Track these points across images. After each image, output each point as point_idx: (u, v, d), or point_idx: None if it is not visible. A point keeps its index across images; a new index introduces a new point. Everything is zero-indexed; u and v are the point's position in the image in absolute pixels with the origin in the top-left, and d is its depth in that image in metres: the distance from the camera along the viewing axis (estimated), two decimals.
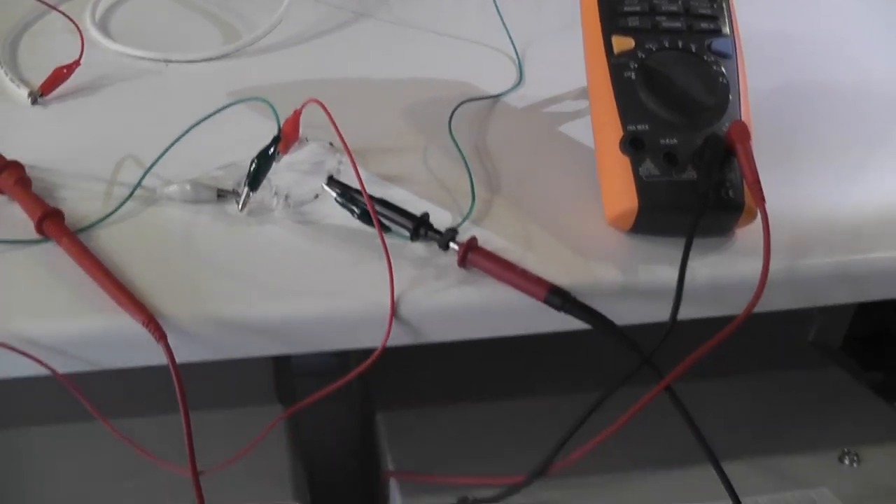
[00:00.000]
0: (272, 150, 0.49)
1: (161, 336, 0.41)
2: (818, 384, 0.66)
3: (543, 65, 0.63)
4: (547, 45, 0.66)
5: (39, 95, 0.57)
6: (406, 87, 0.60)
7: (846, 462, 0.55)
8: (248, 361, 0.46)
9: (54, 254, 0.45)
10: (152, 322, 0.41)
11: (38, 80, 0.58)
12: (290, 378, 0.65)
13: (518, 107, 0.59)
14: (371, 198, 0.46)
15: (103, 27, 0.65)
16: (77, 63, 0.58)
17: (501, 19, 0.67)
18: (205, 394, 0.49)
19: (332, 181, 0.48)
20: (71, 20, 0.64)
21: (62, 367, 0.43)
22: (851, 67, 0.66)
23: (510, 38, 0.65)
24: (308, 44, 0.65)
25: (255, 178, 0.48)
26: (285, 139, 0.49)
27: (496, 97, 0.59)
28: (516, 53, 0.64)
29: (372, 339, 0.44)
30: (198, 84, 0.60)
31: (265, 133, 0.51)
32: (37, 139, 0.54)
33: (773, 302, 0.49)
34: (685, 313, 0.45)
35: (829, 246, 0.49)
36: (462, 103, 0.57)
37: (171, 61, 0.61)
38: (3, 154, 0.49)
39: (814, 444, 0.58)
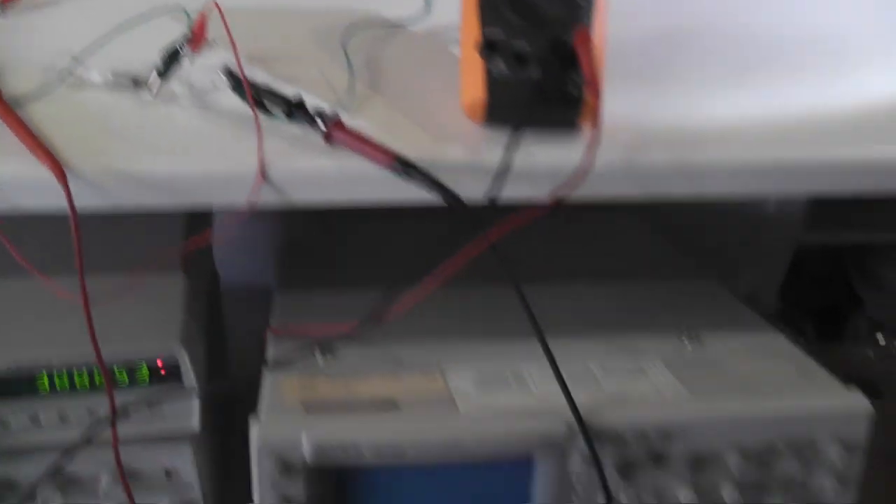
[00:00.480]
0: (181, 46, 0.58)
1: (62, 178, 0.50)
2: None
3: None
4: None
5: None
6: (316, 13, 0.69)
7: (685, 342, 0.61)
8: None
9: None
10: (57, 166, 0.51)
11: None
12: None
13: (418, 32, 0.67)
14: (252, 83, 0.55)
15: None
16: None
17: None
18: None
19: (228, 73, 0.57)
20: None
21: None
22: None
23: None
24: None
25: (167, 68, 0.57)
26: (195, 39, 0.58)
27: (400, 25, 0.68)
28: None
29: (241, 197, 0.53)
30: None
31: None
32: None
33: (612, 188, 0.56)
34: (521, 192, 0.53)
35: (670, 145, 0.56)
36: (367, 29, 0.66)
37: None
38: None
39: (660, 327, 0.65)
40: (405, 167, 0.52)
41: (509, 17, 0.57)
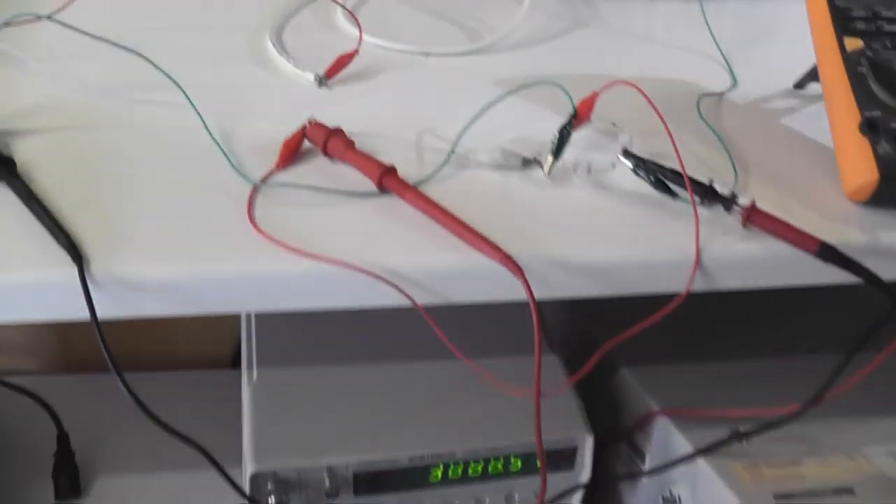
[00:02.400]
0: (570, 124, 0.57)
1: (518, 270, 0.49)
2: None
3: (751, 68, 0.72)
4: (750, 50, 0.75)
5: (325, 79, 0.65)
6: (638, 83, 0.68)
7: None
8: None
9: (394, 205, 0.53)
10: (509, 259, 0.49)
11: (312, 67, 0.66)
12: None
13: (739, 103, 0.67)
14: (654, 164, 0.55)
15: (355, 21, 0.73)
16: (356, 52, 0.66)
17: (710, 29, 0.76)
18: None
19: (627, 153, 0.56)
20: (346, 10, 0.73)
21: (420, 298, 0.50)
22: None
23: (717, 44, 0.75)
24: (541, 45, 0.73)
25: (560, 148, 0.56)
26: (580, 117, 0.57)
27: (720, 94, 0.68)
28: (724, 58, 0.73)
29: (673, 283, 0.52)
30: (458, 74, 0.68)
31: (541, 113, 0.61)
32: (329, 115, 0.61)
33: None
34: None
35: None
36: (702, 97, 0.66)
37: (430, 54, 0.70)
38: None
39: None
40: (832, 254, 0.53)
41: (884, 97, 0.58)
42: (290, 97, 0.64)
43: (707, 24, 0.77)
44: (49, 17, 0.64)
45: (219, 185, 0.54)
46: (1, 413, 0.80)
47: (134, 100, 0.62)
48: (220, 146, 0.57)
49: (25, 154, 0.56)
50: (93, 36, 0.66)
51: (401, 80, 0.67)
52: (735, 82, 0.70)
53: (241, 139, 0.59)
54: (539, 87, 0.64)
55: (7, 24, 0.62)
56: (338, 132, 0.57)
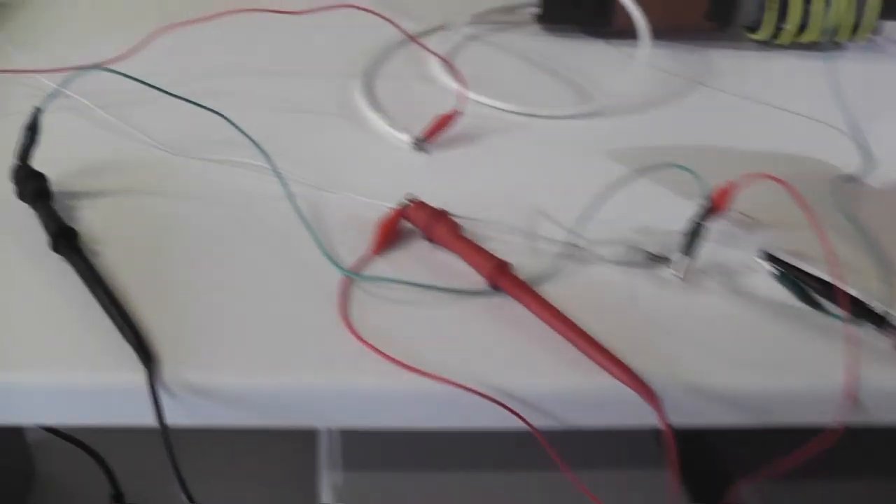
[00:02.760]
0: (704, 217, 0.50)
1: (655, 401, 0.43)
2: None
3: (889, 143, 0.64)
4: (887, 120, 0.68)
5: (423, 142, 0.59)
6: (758, 158, 0.62)
7: None
8: None
9: (507, 307, 0.47)
10: (646, 389, 0.43)
11: (407, 124, 0.60)
12: None
13: (878, 188, 0.60)
14: (815, 278, 0.48)
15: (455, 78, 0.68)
16: (457, 112, 0.60)
17: (839, 97, 0.69)
18: None
19: (768, 256, 0.50)
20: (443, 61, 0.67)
21: (537, 421, 0.44)
22: None
23: (847, 114, 0.67)
24: (657, 108, 0.66)
25: (692, 246, 0.50)
26: (715, 209, 0.51)
27: (855, 178, 0.60)
28: (856, 132, 0.65)
29: (818, 415, 0.46)
30: (569, 141, 0.62)
31: (666, 197, 0.54)
32: (428, 185, 0.56)
33: None
34: None
35: None
36: (835, 180, 0.59)
37: (536, 116, 0.63)
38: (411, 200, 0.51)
39: None
40: None
41: None
42: (385, 162, 0.58)
43: (833, 87, 0.70)
44: (114, 71, 0.59)
45: (306, 272, 0.49)
46: (54, 466, 0.76)
47: (210, 160, 0.57)
48: (307, 223, 0.51)
49: (89, 222, 0.51)
50: (164, 91, 0.58)
51: (505, 146, 0.61)
52: (870, 160, 0.62)
53: (329, 211, 0.53)
54: (664, 167, 0.58)
55: (76, 73, 0.56)
56: (442, 216, 0.51)
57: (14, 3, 0.78)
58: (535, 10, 0.75)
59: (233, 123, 0.57)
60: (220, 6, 0.71)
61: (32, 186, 0.52)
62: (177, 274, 0.48)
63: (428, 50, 0.70)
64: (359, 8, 0.71)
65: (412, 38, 0.71)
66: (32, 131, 0.54)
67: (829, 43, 0.75)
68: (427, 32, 0.74)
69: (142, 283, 0.47)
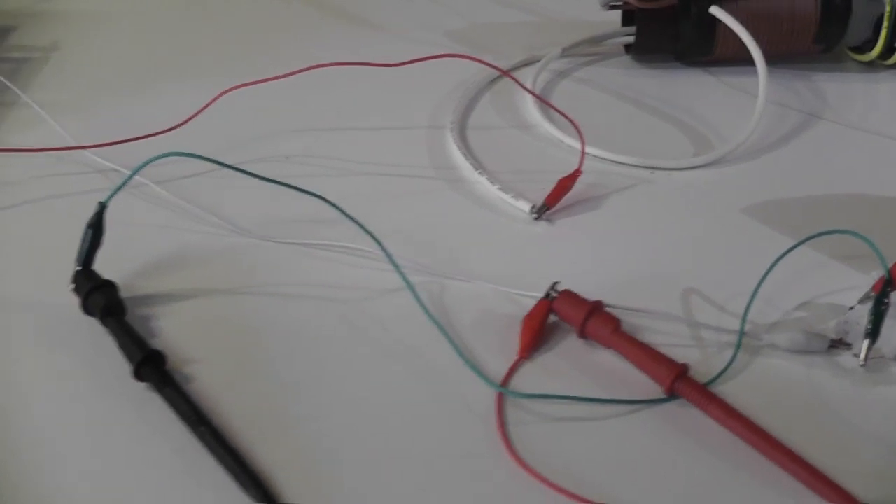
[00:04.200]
0: (886, 294, 0.45)
1: None
2: None
3: None
4: None
5: (545, 209, 0.53)
6: None
7: None
8: None
9: (685, 416, 0.42)
10: None
11: (514, 184, 0.55)
12: None
13: None
14: None
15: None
16: (578, 173, 0.54)
17: None
18: None
19: None
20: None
21: None
22: None
23: None
24: (780, 149, 0.61)
25: (876, 329, 0.44)
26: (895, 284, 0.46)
27: None
28: None
29: None
30: (698, 196, 0.56)
31: (828, 264, 0.49)
32: (557, 262, 0.51)
33: None
34: None
35: None
36: None
37: (657, 168, 0.58)
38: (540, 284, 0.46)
39: None
40: None
41: None
42: (503, 236, 0.53)
43: None
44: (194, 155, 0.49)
45: (444, 384, 0.43)
46: None
47: (304, 244, 0.51)
48: (440, 327, 0.45)
49: (171, 336, 0.45)
50: (253, 175, 0.48)
51: (631, 207, 0.55)
52: None
53: (455, 303, 0.47)
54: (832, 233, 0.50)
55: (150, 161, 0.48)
56: (598, 311, 0.45)
57: (37, 56, 0.71)
58: (628, 40, 0.69)
59: (334, 205, 0.49)
60: (294, 62, 0.63)
61: (101, 299, 0.45)
62: (287, 394, 0.42)
63: (548, 104, 0.64)
64: (457, 56, 0.64)
65: (528, 91, 0.66)
66: (97, 231, 0.46)
67: None
68: (515, 68, 0.68)
69: (246, 410, 0.41)
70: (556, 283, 0.46)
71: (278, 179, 0.48)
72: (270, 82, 0.61)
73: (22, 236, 0.53)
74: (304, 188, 0.48)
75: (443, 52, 0.64)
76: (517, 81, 0.64)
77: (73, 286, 0.46)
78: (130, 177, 0.46)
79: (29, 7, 0.80)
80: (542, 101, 0.64)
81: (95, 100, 0.66)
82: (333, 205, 0.49)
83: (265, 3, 0.81)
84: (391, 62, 0.62)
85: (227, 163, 0.48)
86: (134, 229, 0.52)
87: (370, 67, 0.62)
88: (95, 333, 0.44)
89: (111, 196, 0.46)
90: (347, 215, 0.49)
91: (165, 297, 0.47)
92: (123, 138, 0.57)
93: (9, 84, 0.65)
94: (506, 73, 0.66)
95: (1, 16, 0.78)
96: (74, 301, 0.45)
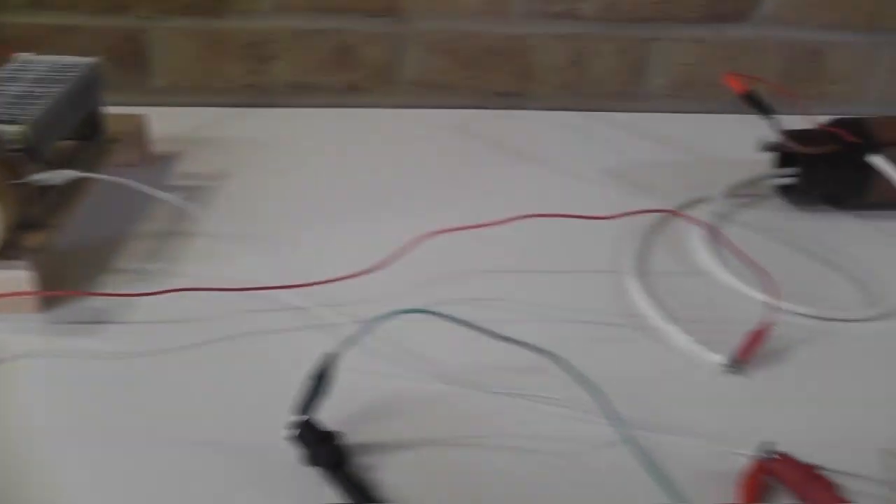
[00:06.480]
0: None
1: None
2: None
3: None
4: None
5: (738, 361, 0.54)
6: None
7: None
8: None
9: None
10: None
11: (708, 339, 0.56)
12: None
13: None
14: None
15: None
16: (771, 325, 0.55)
17: None
18: None
19: None
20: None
21: None
22: None
23: None
24: None
25: None
26: None
27: None
28: None
29: None
30: (881, 349, 0.57)
31: None
32: (759, 418, 0.51)
33: None
34: None
35: None
36: None
37: (835, 320, 0.59)
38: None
39: None
40: None
41: None
42: (700, 389, 0.53)
43: None
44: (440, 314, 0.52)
45: None
46: None
47: (515, 394, 0.51)
48: (667, 486, 0.45)
49: (394, 489, 0.45)
50: (494, 335, 0.49)
51: (820, 360, 0.56)
52: None
53: (666, 459, 0.47)
54: None
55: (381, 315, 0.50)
56: (819, 478, 0.45)
57: (208, 184, 0.73)
58: (783, 183, 0.71)
59: (565, 363, 0.49)
60: (508, 209, 0.65)
61: (327, 451, 0.46)
62: None
63: (742, 254, 0.66)
64: (665, 211, 0.68)
65: (730, 245, 0.67)
66: (322, 382, 0.47)
67: None
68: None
69: None
70: (770, 446, 0.47)
71: (495, 331, 0.49)
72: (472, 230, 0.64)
73: (215, 376, 0.53)
74: (530, 343, 0.49)
75: (648, 208, 0.67)
76: (717, 235, 0.67)
77: (292, 434, 0.46)
78: (365, 332, 0.47)
79: (192, 133, 0.82)
80: (736, 250, 0.64)
81: (274, 232, 0.67)
82: (568, 365, 0.49)
83: (444, 140, 0.83)
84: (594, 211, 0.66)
85: (456, 316, 0.49)
86: (344, 374, 0.51)
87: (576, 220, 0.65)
88: (314, 483, 0.45)
89: (342, 349, 0.47)
90: (579, 373, 0.49)
91: (384, 447, 0.48)
92: (306, 275, 0.59)
93: (185, 213, 0.66)
94: (715, 230, 0.67)
95: (165, 142, 0.78)
96: (288, 447, 0.46)
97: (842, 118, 0.71)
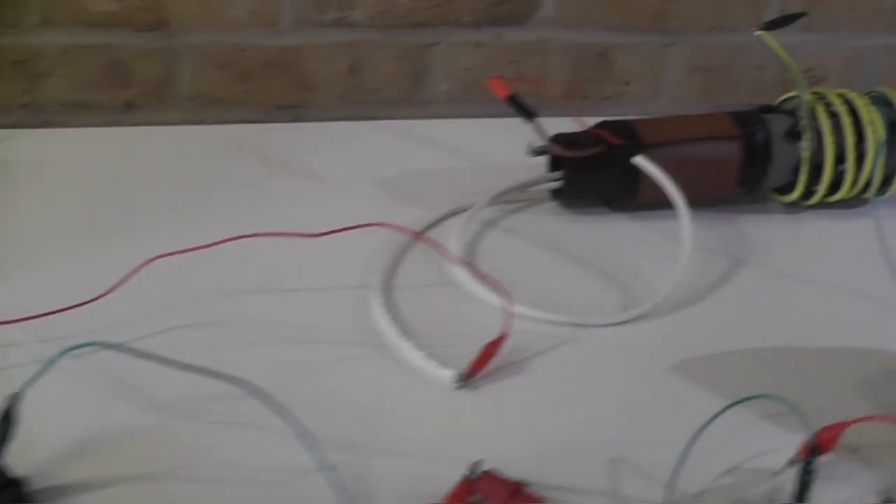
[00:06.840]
0: (813, 461, 0.44)
1: None
2: None
3: None
4: None
5: (467, 377, 0.52)
6: (835, 354, 0.57)
7: None
8: None
9: None
10: None
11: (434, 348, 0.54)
12: None
13: None
14: None
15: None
16: (504, 337, 0.53)
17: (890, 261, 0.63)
18: None
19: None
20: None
21: None
22: None
23: None
24: (704, 301, 0.61)
25: (804, 493, 0.43)
26: (824, 449, 0.45)
27: None
28: None
29: None
30: (624, 353, 0.56)
31: (754, 428, 0.48)
32: (481, 434, 0.49)
33: None
34: None
35: None
36: None
37: (583, 325, 0.57)
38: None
39: None
40: None
41: None
42: (425, 407, 0.51)
43: (880, 249, 0.64)
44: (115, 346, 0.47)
45: None
46: None
47: (214, 423, 0.49)
48: None
49: None
50: (182, 365, 0.47)
51: (557, 368, 0.54)
52: None
53: (377, 483, 0.45)
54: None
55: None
56: (520, 493, 0.44)
57: None
58: (553, 186, 0.70)
59: (256, 390, 0.47)
60: (217, 232, 0.62)
61: (7, 499, 0.42)
62: None
63: (471, 267, 0.63)
64: (373, 224, 0.64)
65: (453, 255, 0.65)
66: (7, 424, 0.43)
67: (856, 200, 0.71)
68: (442, 219, 0.68)
69: None
70: (476, 465, 0.45)
71: (191, 360, 0.46)
72: (190, 253, 0.60)
73: None
74: (217, 370, 0.47)
75: (358, 223, 0.63)
76: (432, 245, 0.65)
77: None
78: (43, 371, 0.43)
79: None
80: (466, 264, 0.63)
81: (13, 261, 0.63)
82: (248, 386, 0.47)
83: (218, 157, 0.78)
84: (315, 228, 0.62)
85: (147, 350, 0.46)
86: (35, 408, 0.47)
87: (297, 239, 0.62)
88: None
89: (23, 389, 0.43)
90: (267, 395, 0.46)
91: (80, 487, 0.45)
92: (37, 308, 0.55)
93: None
94: (420, 237, 0.65)
95: None
96: None
97: (606, 120, 0.70)
